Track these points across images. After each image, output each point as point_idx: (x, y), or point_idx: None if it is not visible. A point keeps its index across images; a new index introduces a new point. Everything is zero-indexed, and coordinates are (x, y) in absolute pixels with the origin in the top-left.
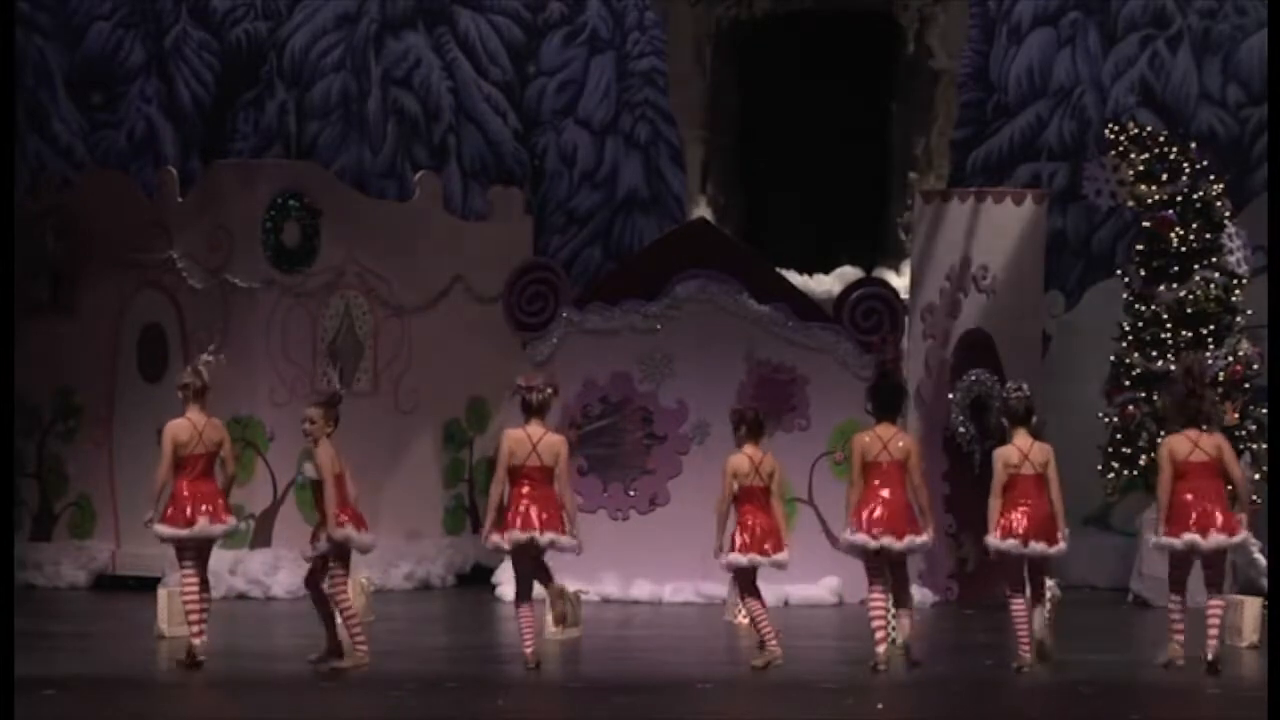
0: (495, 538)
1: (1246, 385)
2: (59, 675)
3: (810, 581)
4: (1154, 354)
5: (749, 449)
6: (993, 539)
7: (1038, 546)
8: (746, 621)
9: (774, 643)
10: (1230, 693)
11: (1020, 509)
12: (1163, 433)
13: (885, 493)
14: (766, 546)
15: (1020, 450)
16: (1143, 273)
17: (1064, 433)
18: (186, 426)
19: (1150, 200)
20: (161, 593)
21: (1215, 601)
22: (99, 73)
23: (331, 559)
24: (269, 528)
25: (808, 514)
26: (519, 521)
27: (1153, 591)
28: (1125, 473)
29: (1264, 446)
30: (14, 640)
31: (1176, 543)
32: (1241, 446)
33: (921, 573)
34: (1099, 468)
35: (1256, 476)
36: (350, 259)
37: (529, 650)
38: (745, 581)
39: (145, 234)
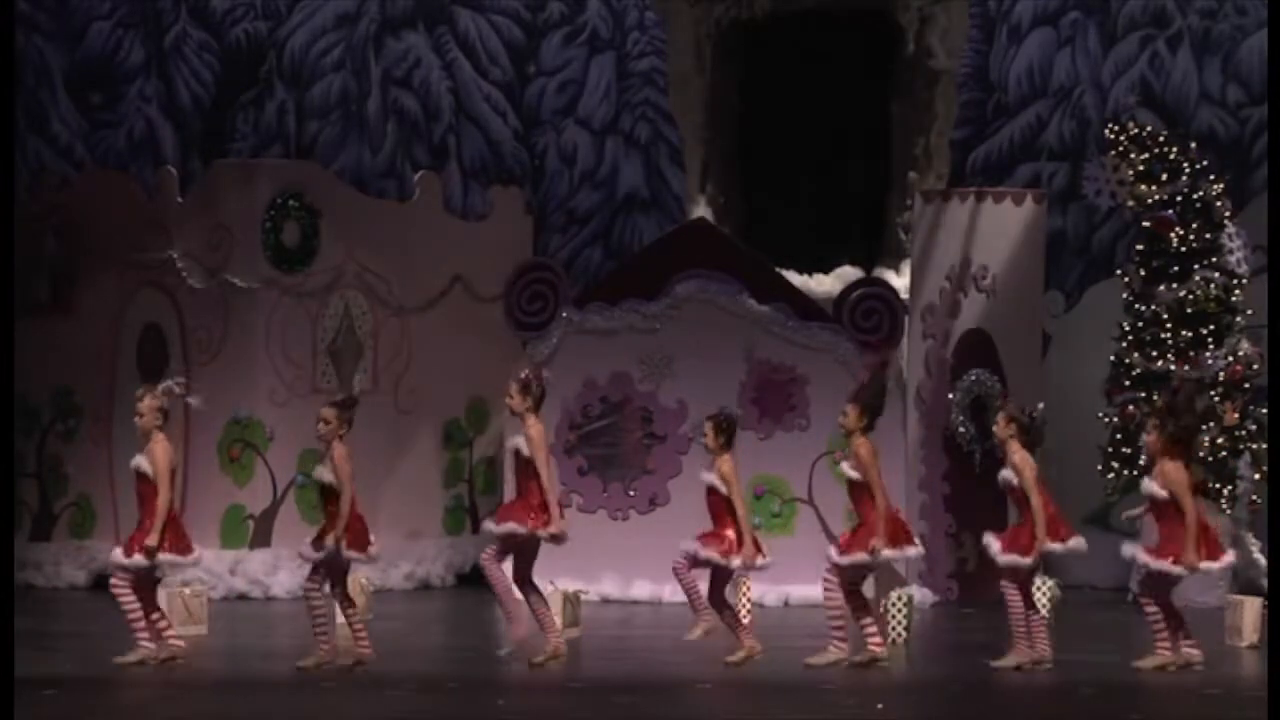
0: (560, 525)
1: (1246, 385)
2: (59, 675)
3: (810, 582)
4: (1154, 354)
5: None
6: (1057, 544)
7: None
8: (747, 621)
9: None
10: (1230, 693)
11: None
12: (1151, 456)
13: None
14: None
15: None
16: (1143, 273)
17: (1064, 432)
18: (171, 449)
19: (1150, 200)
20: (162, 593)
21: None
22: (99, 73)
23: (324, 565)
24: (269, 528)
25: (808, 514)
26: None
27: None
28: (1125, 473)
29: (1264, 446)
30: (14, 640)
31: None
32: (1241, 446)
33: (921, 573)
34: (1099, 468)
35: (1256, 476)
36: (350, 259)
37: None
38: (725, 582)
39: (145, 234)
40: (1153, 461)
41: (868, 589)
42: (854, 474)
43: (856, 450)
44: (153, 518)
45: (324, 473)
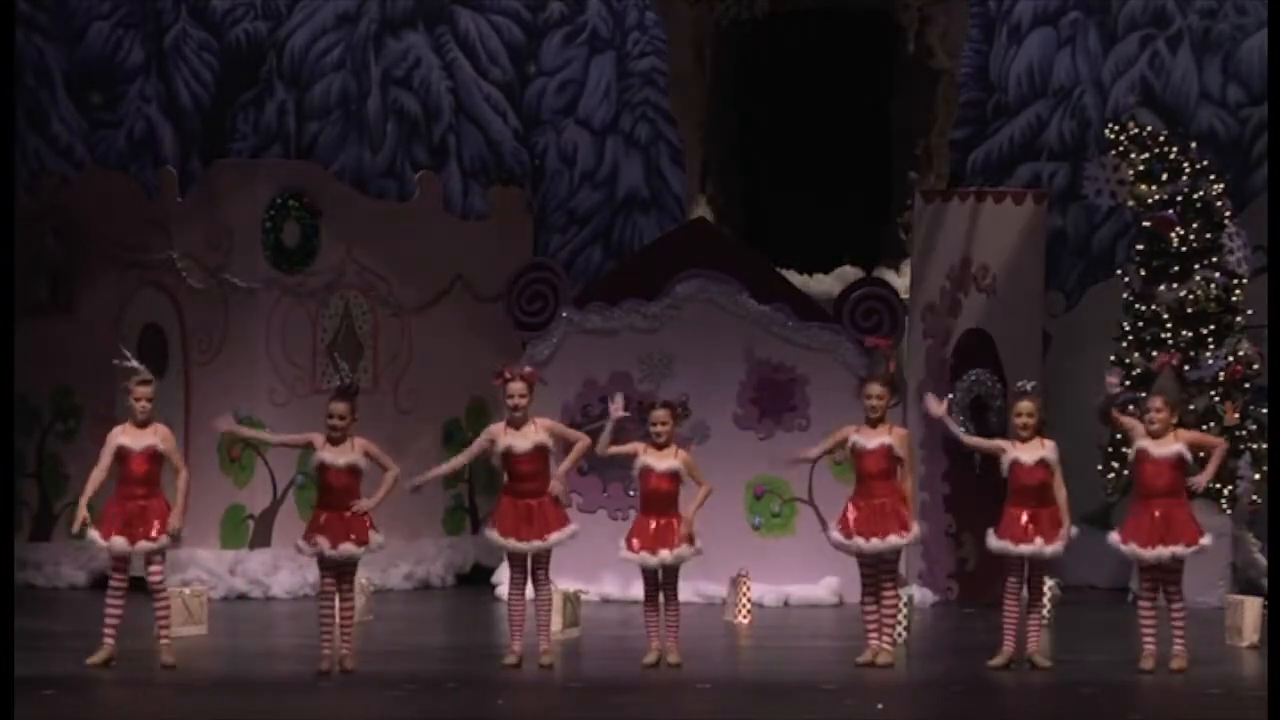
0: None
1: (1246, 385)
2: (59, 675)
3: (810, 581)
4: (1154, 354)
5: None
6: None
7: None
8: (747, 621)
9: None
10: (1230, 693)
11: None
12: (1160, 431)
13: None
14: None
15: None
16: (1143, 273)
17: (1064, 433)
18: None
19: (1150, 200)
20: None
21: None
22: (99, 73)
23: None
24: (269, 528)
25: (808, 514)
26: None
27: None
28: (1125, 473)
29: (1264, 446)
30: (14, 640)
31: None
32: (1241, 446)
33: (921, 572)
34: (1099, 468)
35: (1256, 476)
36: (350, 259)
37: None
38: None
39: (145, 234)
40: (1156, 435)
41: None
42: (901, 451)
43: (903, 432)
44: (179, 498)
45: (348, 457)
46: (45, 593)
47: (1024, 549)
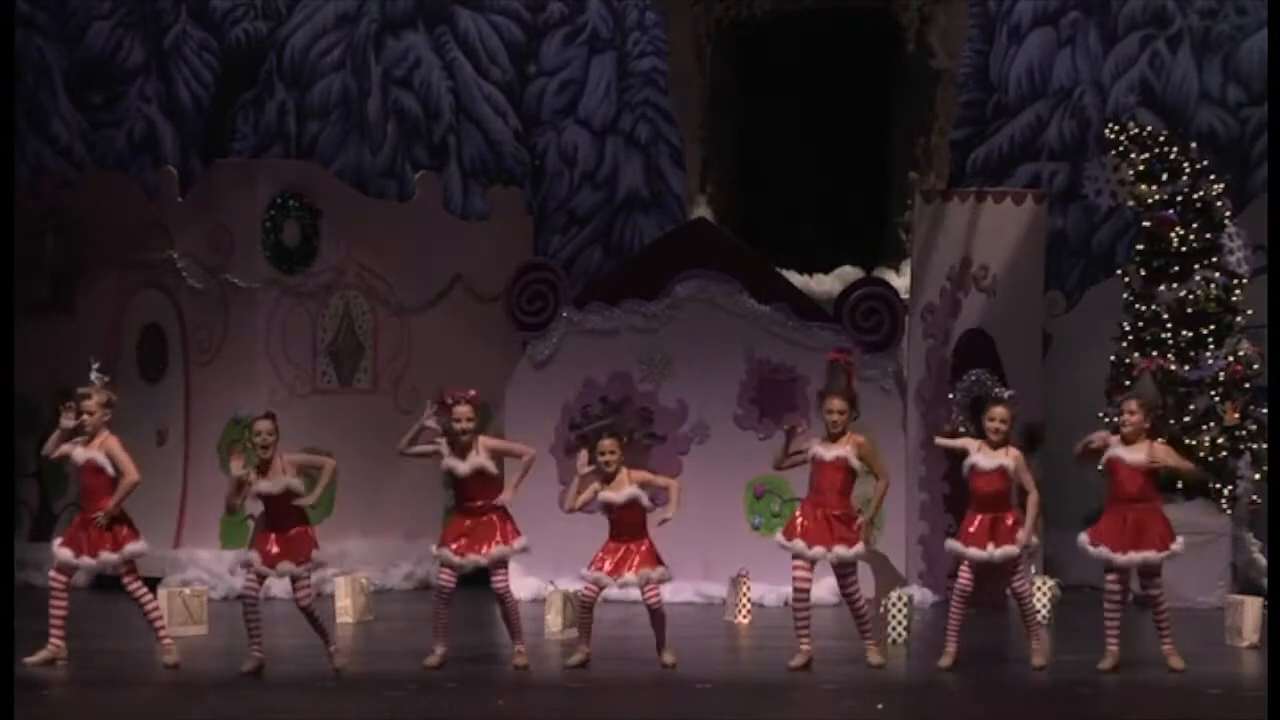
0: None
1: (1246, 385)
2: (59, 675)
3: None
4: (1154, 354)
5: None
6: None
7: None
8: (747, 621)
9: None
10: (1230, 693)
11: None
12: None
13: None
14: None
15: None
16: (1143, 273)
17: (1064, 433)
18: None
19: (1150, 200)
20: (162, 593)
21: None
22: (99, 73)
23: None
24: None
25: None
26: None
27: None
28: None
29: (1264, 446)
30: (14, 640)
31: None
32: (1241, 446)
33: (921, 572)
34: (1099, 468)
35: (1256, 476)
36: (350, 259)
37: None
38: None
39: (145, 234)
40: (1127, 440)
41: (867, 588)
42: (857, 463)
43: (859, 440)
44: (116, 493)
45: (281, 484)
46: (45, 593)
47: (974, 553)
